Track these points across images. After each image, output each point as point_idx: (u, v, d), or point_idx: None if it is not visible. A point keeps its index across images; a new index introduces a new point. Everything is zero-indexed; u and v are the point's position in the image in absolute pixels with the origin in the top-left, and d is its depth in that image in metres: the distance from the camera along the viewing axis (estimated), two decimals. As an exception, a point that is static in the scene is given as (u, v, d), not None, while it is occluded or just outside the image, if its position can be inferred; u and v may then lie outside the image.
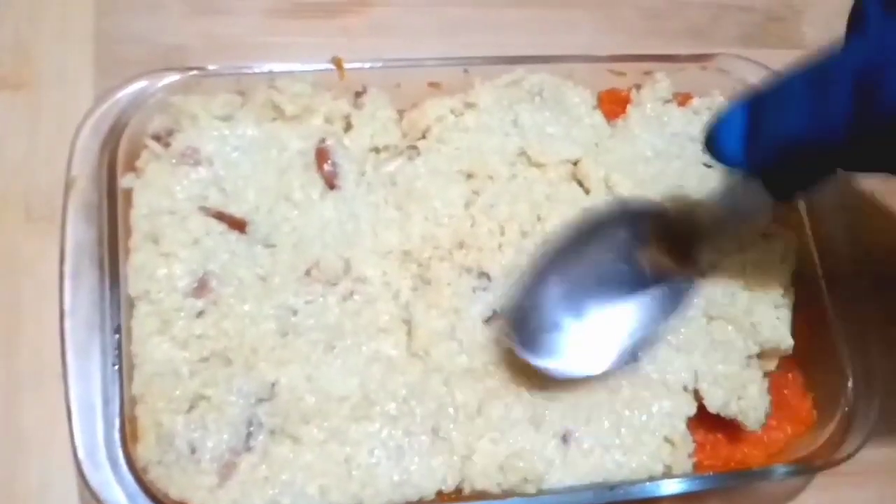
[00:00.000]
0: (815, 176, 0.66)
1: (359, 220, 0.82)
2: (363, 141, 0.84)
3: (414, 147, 0.86)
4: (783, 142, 0.60)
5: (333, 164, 0.83)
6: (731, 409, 0.80)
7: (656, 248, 0.77)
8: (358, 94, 0.86)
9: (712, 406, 0.79)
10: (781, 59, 0.91)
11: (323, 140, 0.83)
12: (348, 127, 0.86)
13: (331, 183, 0.83)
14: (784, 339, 0.82)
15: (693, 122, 0.89)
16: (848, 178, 0.88)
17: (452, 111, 0.87)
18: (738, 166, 0.65)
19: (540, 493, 0.75)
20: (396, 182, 0.84)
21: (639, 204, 0.80)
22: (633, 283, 0.77)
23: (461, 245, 0.82)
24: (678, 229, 0.76)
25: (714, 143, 0.65)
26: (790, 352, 0.83)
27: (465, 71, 0.87)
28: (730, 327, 0.82)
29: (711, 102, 0.91)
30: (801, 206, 0.88)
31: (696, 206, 0.80)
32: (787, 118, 0.60)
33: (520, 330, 0.76)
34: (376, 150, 0.85)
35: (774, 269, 0.84)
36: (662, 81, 0.90)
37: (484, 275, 0.81)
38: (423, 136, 0.86)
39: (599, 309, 0.77)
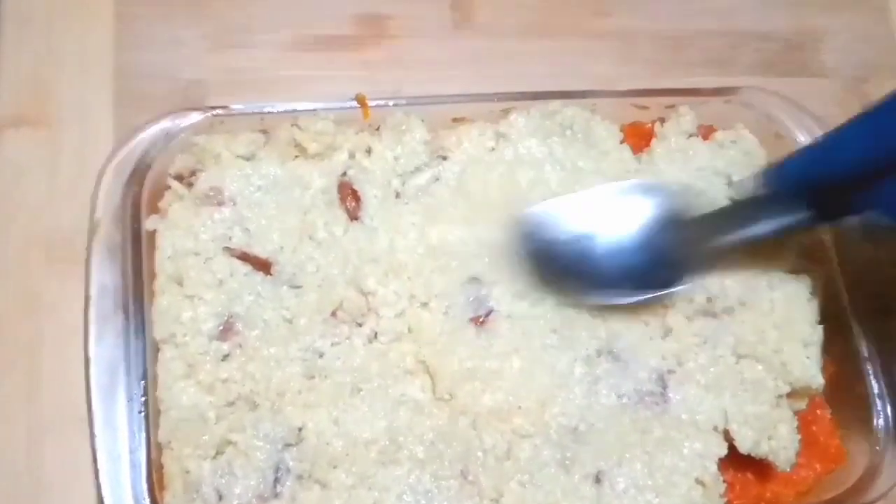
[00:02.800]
0: (847, 206, 0.73)
1: (379, 246, 0.82)
2: (386, 163, 0.84)
3: (444, 157, 0.86)
4: (827, 169, 0.71)
5: (355, 194, 0.83)
6: (762, 450, 0.79)
7: (669, 234, 0.80)
8: (379, 129, 0.86)
9: (743, 447, 0.78)
10: (801, 88, 0.93)
11: (344, 173, 0.83)
12: (370, 153, 0.85)
13: (354, 216, 0.82)
14: (815, 379, 0.81)
15: (718, 155, 0.89)
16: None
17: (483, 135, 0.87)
18: (789, 184, 0.75)
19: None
20: (429, 192, 0.84)
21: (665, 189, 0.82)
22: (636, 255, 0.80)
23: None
24: (694, 227, 0.80)
25: (777, 166, 0.77)
26: (821, 391, 0.83)
27: (497, 100, 0.87)
28: (759, 366, 0.81)
29: (736, 135, 0.90)
30: (829, 240, 0.87)
31: (722, 211, 0.82)
32: (838, 152, 0.71)
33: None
34: (401, 174, 0.85)
35: (803, 306, 0.83)
36: (686, 115, 0.89)
37: (475, 280, 0.82)
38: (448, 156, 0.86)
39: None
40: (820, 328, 0.83)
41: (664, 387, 0.80)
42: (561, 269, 0.81)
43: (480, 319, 0.81)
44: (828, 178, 0.71)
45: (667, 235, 0.80)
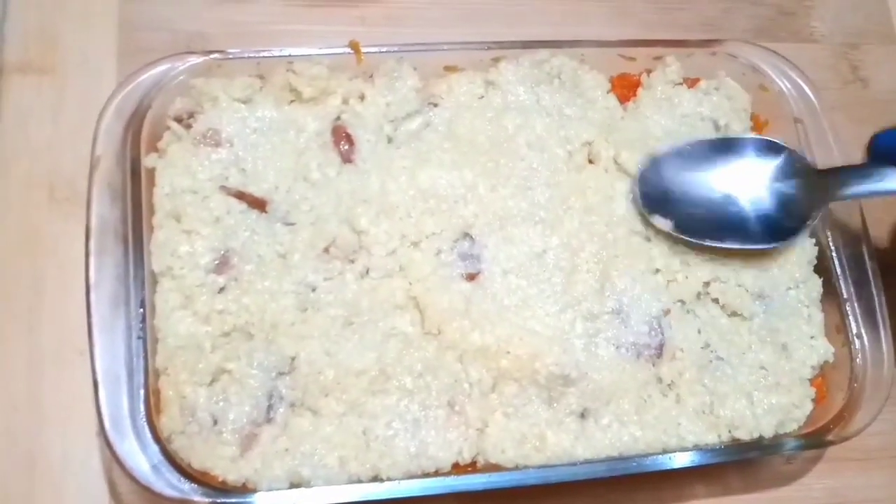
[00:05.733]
0: None
1: (371, 188, 0.84)
2: (378, 108, 0.86)
3: (435, 104, 0.88)
4: None
5: (349, 137, 0.85)
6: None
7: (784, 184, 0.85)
8: (372, 76, 0.88)
9: None
10: (792, 53, 0.94)
11: (338, 118, 0.85)
12: (363, 99, 0.87)
13: (347, 158, 0.85)
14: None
15: (702, 103, 0.91)
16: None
17: (473, 83, 0.89)
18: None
19: (553, 465, 0.77)
20: (420, 137, 0.86)
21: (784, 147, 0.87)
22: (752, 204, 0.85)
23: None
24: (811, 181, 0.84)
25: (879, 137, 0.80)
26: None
27: (488, 48, 0.89)
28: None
29: (718, 83, 0.92)
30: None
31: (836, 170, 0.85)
32: None
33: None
34: (393, 120, 0.87)
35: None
36: (673, 65, 0.91)
37: (467, 235, 0.84)
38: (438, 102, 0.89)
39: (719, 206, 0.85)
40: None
41: (662, 333, 0.82)
42: (684, 208, 0.85)
43: (472, 276, 0.83)
44: None
45: (790, 188, 0.84)
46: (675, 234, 0.84)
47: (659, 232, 0.85)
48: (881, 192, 0.81)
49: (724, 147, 0.87)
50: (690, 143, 0.87)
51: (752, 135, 0.89)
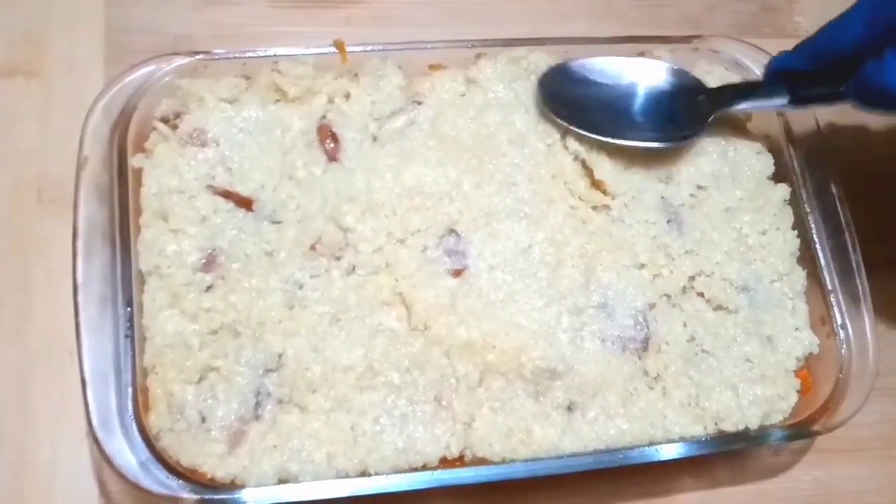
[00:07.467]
0: (825, 93, 0.83)
1: (357, 186, 0.84)
2: (363, 107, 0.87)
3: (419, 102, 0.88)
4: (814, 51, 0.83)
5: (334, 136, 0.85)
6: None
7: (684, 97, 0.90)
8: (357, 75, 0.89)
9: None
10: (774, 48, 0.94)
11: (323, 117, 0.86)
12: (349, 98, 0.88)
13: (333, 157, 0.85)
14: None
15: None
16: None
17: (455, 81, 0.90)
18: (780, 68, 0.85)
19: (540, 458, 0.77)
20: (404, 135, 0.87)
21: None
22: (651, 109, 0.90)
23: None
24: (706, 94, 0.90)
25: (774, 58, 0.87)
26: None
27: (472, 46, 0.90)
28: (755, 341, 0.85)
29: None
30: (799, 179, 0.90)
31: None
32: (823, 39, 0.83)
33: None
34: (378, 119, 0.87)
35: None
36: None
37: (453, 232, 0.84)
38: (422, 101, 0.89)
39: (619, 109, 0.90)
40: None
41: (647, 326, 0.83)
42: (588, 107, 0.89)
43: (458, 272, 0.83)
44: (803, 68, 0.84)
45: (681, 98, 0.90)
46: (576, 129, 0.88)
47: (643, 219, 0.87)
48: (767, 106, 0.88)
49: (627, 65, 0.91)
50: (596, 59, 0.91)
51: (655, 59, 0.93)
